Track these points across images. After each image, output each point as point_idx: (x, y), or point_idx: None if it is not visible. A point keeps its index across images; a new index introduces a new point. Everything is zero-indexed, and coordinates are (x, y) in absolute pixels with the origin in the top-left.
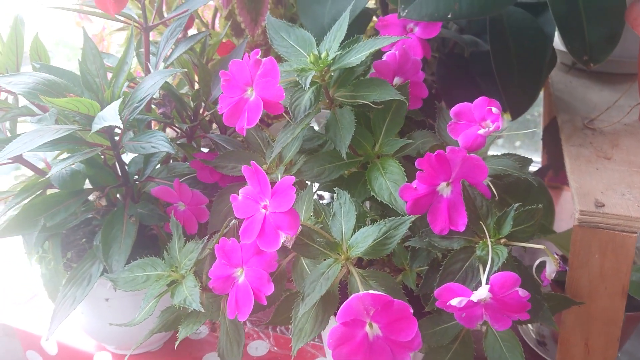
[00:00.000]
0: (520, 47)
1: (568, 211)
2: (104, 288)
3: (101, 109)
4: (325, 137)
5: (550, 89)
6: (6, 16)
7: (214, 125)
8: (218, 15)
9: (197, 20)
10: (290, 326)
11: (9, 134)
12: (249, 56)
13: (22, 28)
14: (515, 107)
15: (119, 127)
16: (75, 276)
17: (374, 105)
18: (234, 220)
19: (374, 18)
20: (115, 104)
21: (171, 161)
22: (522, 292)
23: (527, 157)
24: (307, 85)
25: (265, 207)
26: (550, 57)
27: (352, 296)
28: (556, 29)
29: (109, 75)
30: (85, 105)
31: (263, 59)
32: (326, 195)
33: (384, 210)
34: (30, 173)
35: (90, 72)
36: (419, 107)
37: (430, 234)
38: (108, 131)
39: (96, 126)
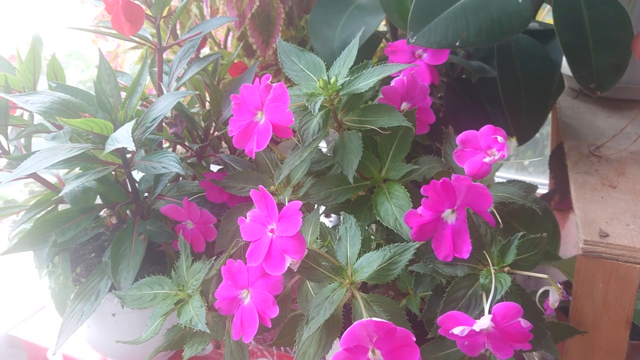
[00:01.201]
0: (528, 73)
1: (574, 235)
2: (111, 303)
3: (114, 129)
4: (333, 160)
5: (557, 114)
6: (19, 31)
7: (223, 144)
8: (230, 35)
9: (209, 40)
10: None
11: (23, 150)
12: (260, 80)
13: (40, 48)
14: (522, 133)
15: (136, 149)
16: (83, 291)
17: (381, 131)
18: (241, 241)
19: (383, 41)
20: (129, 126)
21: (180, 179)
22: (524, 323)
23: (532, 184)
24: (316, 111)
25: (272, 230)
26: (557, 83)
27: (355, 322)
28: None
29: (123, 94)
30: (99, 125)
31: (273, 84)
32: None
33: (390, 234)
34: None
35: (105, 92)
36: (426, 132)
37: (434, 260)
38: (120, 150)
39: (109, 147)
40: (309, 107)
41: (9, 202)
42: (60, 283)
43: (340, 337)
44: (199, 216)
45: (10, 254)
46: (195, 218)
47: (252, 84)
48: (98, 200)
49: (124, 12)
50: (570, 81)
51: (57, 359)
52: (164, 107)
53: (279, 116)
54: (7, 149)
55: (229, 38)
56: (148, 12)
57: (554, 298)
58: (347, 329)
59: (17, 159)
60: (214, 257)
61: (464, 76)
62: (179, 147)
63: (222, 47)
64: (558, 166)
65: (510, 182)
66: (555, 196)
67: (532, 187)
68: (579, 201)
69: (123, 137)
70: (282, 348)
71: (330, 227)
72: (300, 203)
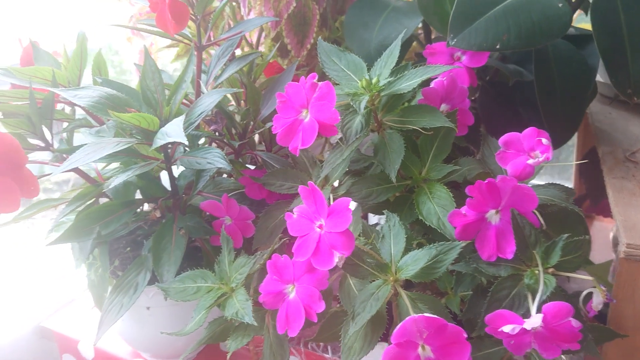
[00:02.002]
0: (564, 78)
1: (600, 241)
2: (146, 297)
3: (159, 125)
4: (372, 160)
5: (588, 119)
6: (53, 29)
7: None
8: (263, 36)
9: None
10: (321, 343)
11: (65, 144)
12: (305, 79)
13: (86, 44)
14: (557, 137)
15: (184, 144)
16: (121, 284)
17: (422, 131)
18: (284, 237)
19: (414, 43)
20: (179, 121)
21: (215, 176)
22: (574, 323)
23: (570, 188)
24: (362, 109)
25: (320, 226)
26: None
27: (407, 318)
28: (600, 61)
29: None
30: (147, 120)
31: (319, 83)
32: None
33: (428, 234)
34: (60, 177)
35: (150, 88)
36: (464, 134)
37: (477, 260)
38: (163, 146)
39: (159, 141)
40: (353, 106)
41: None
42: (99, 275)
43: (384, 334)
44: (238, 212)
45: (55, 245)
46: (234, 214)
47: (291, 82)
48: (137, 196)
49: (171, 10)
50: (601, 87)
51: (88, 351)
52: (208, 103)
53: (325, 114)
54: (50, 142)
55: (261, 39)
56: (190, 10)
57: (598, 300)
58: (399, 324)
59: (64, 152)
60: (258, 253)
61: (497, 79)
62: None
63: (254, 47)
64: (590, 171)
65: (550, 184)
66: (585, 201)
67: (571, 191)
68: (618, 206)
69: (174, 132)
70: (309, 346)
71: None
72: (349, 199)
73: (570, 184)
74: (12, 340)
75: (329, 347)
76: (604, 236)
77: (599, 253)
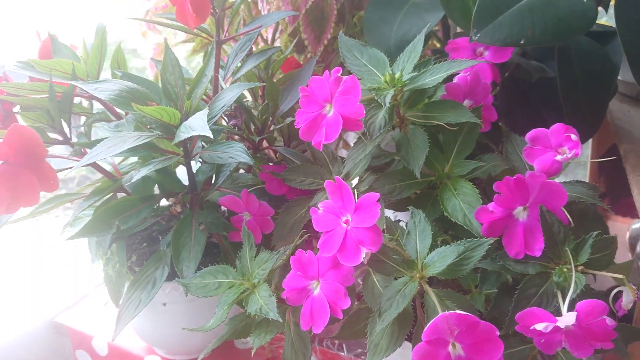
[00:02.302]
0: (587, 75)
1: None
2: (163, 293)
3: (180, 119)
4: (393, 156)
5: (607, 117)
6: (66, 23)
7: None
8: (278, 31)
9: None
10: (336, 341)
11: (81, 138)
12: (329, 73)
13: (106, 38)
14: (579, 134)
15: (208, 137)
16: (139, 279)
17: (447, 127)
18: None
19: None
20: (203, 115)
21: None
22: (609, 321)
23: (595, 185)
24: (387, 104)
25: (346, 221)
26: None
27: (439, 315)
28: (623, 58)
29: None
30: (168, 113)
31: (344, 77)
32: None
33: (451, 231)
34: (63, 174)
35: (170, 82)
36: (487, 131)
37: (504, 257)
38: (183, 140)
39: (183, 135)
40: (378, 100)
41: None
42: (117, 271)
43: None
44: (257, 208)
45: (75, 239)
46: (253, 210)
47: (314, 76)
48: (155, 191)
49: (192, 3)
50: (620, 85)
51: (102, 347)
52: (230, 97)
53: (349, 108)
54: (69, 136)
55: (276, 34)
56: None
57: (628, 299)
58: (430, 322)
59: (84, 146)
60: (282, 249)
61: (516, 76)
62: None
63: (269, 43)
64: (609, 169)
65: (576, 181)
66: (605, 199)
67: (596, 188)
68: None
69: (199, 125)
70: (324, 344)
71: None
72: (377, 194)
73: None
74: (25, 336)
75: (343, 345)
76: (619, 236)
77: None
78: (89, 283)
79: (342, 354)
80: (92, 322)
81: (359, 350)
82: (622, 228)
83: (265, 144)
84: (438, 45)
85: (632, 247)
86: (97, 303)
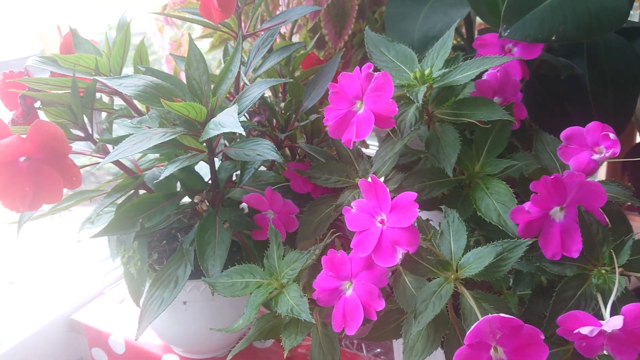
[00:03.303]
0: (616, 71)
1: None
2: (184, 291)
3: (207, 115)
4: (420, 154)
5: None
6: (83, 19)
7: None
8: (297, 27)
9: None
10: (355, 341)
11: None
12: (360, 69)
13: (130, 33)
14: None
15: (242, 133)
16: (161, 277)
17: (478, 124)
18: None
19: None
20: (232, 111)
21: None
22: None
23: (627, 184)
24: (420, 100)
25: (382, 221)
26: None
27: (482, 318)
28: None
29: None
30: (195, 110)
31: (375, 73)
32: None
33: (482, 230)
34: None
35: (195, 78)
36: (517, 128)
37: (540, 259)
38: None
39: (212, 132)
40: (410, 97)
41: None
42: (138, 269)
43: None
44: (282, 206)
45: (99, 237)
46: (277, 208)
47: (344, 73)
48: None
49: None
50: None
51: (119, 345)
52: (256, 94)
53: (381, 105)
54: (90, 132)
55: (294, 30)
56: None
57: None
58: (473, 325)
59: (108, 143)
60: (312, 248)
61: (541, 73)
62: None
63: (287, 38)
64: (634, 168)
65: (611, 181)
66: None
67: (630, 188)
68: None
69: (229, 122)
70: (343, 343)
71: None
72: (414, 194)
73: None
74: (41, 333)
75: (362, 345)
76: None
77: None
78: (104, 280)
79: (362, 353)
80: (108, 320)
81: (378, 350)
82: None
83: (287, 141)
84: (456, 41)
85: None
86: (112, 301)
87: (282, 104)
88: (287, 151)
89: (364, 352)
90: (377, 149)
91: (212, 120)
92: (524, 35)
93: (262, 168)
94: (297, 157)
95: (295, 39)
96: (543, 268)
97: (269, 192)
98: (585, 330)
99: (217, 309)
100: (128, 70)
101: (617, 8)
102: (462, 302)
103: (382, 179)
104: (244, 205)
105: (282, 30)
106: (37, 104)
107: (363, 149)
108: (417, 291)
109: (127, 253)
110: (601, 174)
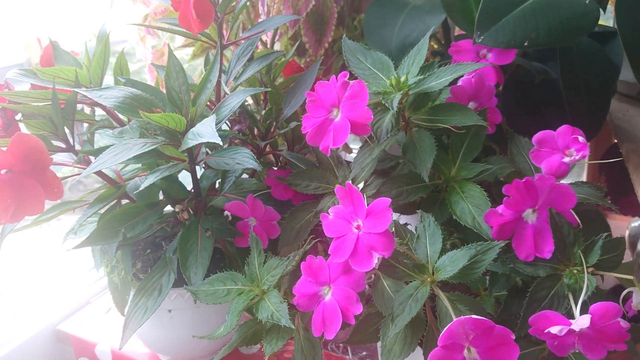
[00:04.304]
0: (589, 75)
1: None
2: (168, 299)
3: (186, 125)
4: (398, 160)
5: (607, 117)
6: (65, 29)
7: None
8: (278, 35)
9: None
10: (340, 344)
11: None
12: (335, 77)
13: (109, 44)
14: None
15: (218, 144)
16: (145, 287)
17: (453, 130)
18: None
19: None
20: (210, 121)
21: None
22: (623, 323)
23: (600, 185)
24: (395, 107)
25: (358, 227)
26: None
27: (454, 320)
28: (623, 58)
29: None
30: (175, 120)
31: (351, 81)
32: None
33: (456, 234)
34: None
35: (174, 89)
36: (492, 133)
37: (514, 260)
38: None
39: (191, 142)
40: (385, 104)
41: None
42: (122, 278)
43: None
44: (263, 213)
45: (82, 248)
46: (259, 215)
47: (321, 81)
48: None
49: (196, 8)
50: (619, 84)
51: (105, 354)
52: (235, 103)
53: (357, 113)
54: (72, 144)
55: (276, 37)
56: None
57: (638, 300)
58: (446, 327)
59: (88, 154)
60: (291, 255)
61: (516, 77)
62: None
63: (268, 47)
64: (612, 168)
65: (582, 182)
66: (606, 199)
67: (602, 189)
68: None
69: (207, 132)
70: (329, 347)
71: None
72: (389, 200)
73: None
74: (27, 344)
75: (348, 349)
76: (618, 234)
77: None
78: (91, 290)
79: (347, 357)
80: (94, 330)
81: (364, 353)
82: (621, 226)
83: (268, 148)
84: (436, 46)
85: (632, 246)
86: (99, 310)
87: (264, 112)
88: (272, 158)
89: (350, 355)
90: (355, 155)
91: (190, 130)
92: (497, 42)
93: (245, 175)
94: (280, 164)
95: (277, 46)
96: (517, 269)
97: (250, 200)
98: (554, 329)
99: (202, 316)
100: (110, 80)
101: (587, 14)
102: (438, 304)
103: (361, 185)
104: (228, 212)
105: (265, 38)
106: (18, 117)
107: (347, 154)
108: (396, 294)
109: (110, 263)
110: (583, 175)
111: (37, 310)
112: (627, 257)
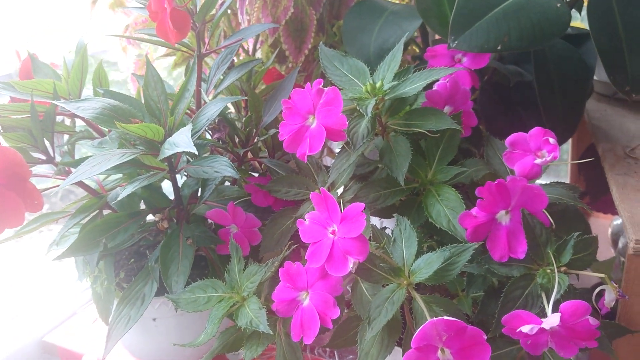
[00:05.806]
0: (563, 77)
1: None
2: (152, 308)
3: (164, 135)
4: (376, 164)
5: (585, 117)
6: (46, 40)
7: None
8: (259, 42)
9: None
10: (327, 349)
11: (64, 157)
12: (311, 85)
13: (87, 56)
14: (558, 136)
15: (195, 152)
16: (128, 296)
17: (428, 134)
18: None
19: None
20: (186, 131)
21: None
22: (592, 321)
23: (575, 186)
24: (369, 113)
25: (333, 232)
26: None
27: (427, 322)
28: (597, 59)
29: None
30: (152, 130)
31: (325, 88)
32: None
33: (436, 236)
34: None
35: (153, 98)
36: (467, 136)
37: (489, 261)
38: (168, 156)
39: (167, 152)
40: (360, 110)
41: None
42: (105, 288)
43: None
44: (244, 220)
45: (63, 259)
46: (240, 222)
47: (296, 89)
48: (141, 206)
49: (172, 18)
50: (596, 85)
51: None
52: (213, 112)
53: (332, 119)
54: (52, 155)
55: (257, 45)
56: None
57: (610, 297)
58: (419, 328)
59: (68, 165)
60: (270, 261)
61: (494, 80)
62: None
63: (250, 53)
64: (590, 168)
65: (556, 183)
66: (584, 198)
67: (576, 189)
68: (624, 202)
69: (183, 142)
70: (315, 351)
71: None
72: (362, 205)
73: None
74: (14, 357)
75: (335, 353)
76: (601, 232)
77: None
78: (77, 301)
79: None
80: (81, 341)
81: (351, 356)
82: (605, 224)
83: (250, 155)
84: (417, 50)
85: (615, 243)
86: (86, 321)
87: (244, 119)
88: (257, 165)
89: (337, 359)
90: (334, 160)
91: (167, 140)
92: (471, 46)
93: (227, 183)
94: (261, 170)
95: (259, 54)
96: (492, 270)
97: (231, 207)
98: (525, 328)
99: (187, 323)
100: (89, 91)
101: (558, 18)
102: (413, 306)
103: (340, 190)
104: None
105: (246, 45)
106: None
107: (332, 159)
108: (373, 297)
109: (92, 273)
110: (567, 175)
111: (23, 321)
112: (611, 253)
